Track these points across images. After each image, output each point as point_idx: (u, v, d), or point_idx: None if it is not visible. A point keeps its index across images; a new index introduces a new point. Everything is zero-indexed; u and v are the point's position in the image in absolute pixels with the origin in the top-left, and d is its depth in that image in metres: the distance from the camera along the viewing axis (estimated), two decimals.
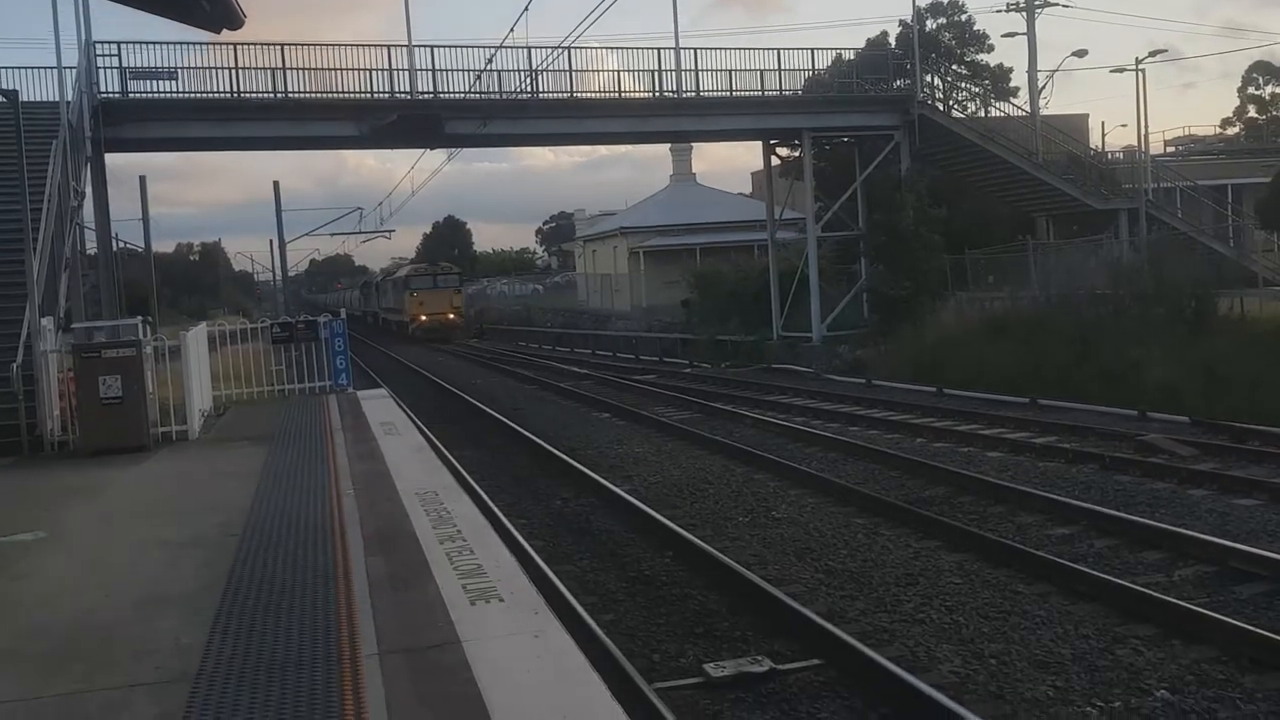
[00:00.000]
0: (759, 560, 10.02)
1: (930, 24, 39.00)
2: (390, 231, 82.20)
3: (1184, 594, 8.42)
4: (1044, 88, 33.94)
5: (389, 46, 26.37)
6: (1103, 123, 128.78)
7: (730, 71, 28.62)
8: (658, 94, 28.17)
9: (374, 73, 25.79)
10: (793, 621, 7.95)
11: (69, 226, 16.80)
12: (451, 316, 54.18)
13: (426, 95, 26.06)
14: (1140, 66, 34.15)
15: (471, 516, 7.79)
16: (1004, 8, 33.89)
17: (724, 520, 11.80)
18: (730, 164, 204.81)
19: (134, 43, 23.83)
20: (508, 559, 6.58)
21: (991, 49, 40.63)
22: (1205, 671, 6.94)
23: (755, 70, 28.80)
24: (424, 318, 53.61)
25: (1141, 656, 7.24)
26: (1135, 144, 38.17)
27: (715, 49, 33.77)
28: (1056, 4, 33.70)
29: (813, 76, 30.45)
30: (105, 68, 23.27)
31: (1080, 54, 63.38)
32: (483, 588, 5.90)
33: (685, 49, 28.51)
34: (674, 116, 29.14)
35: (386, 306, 64.98)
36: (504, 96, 26.28)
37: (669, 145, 56.07)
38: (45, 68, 21.63)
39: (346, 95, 25.60)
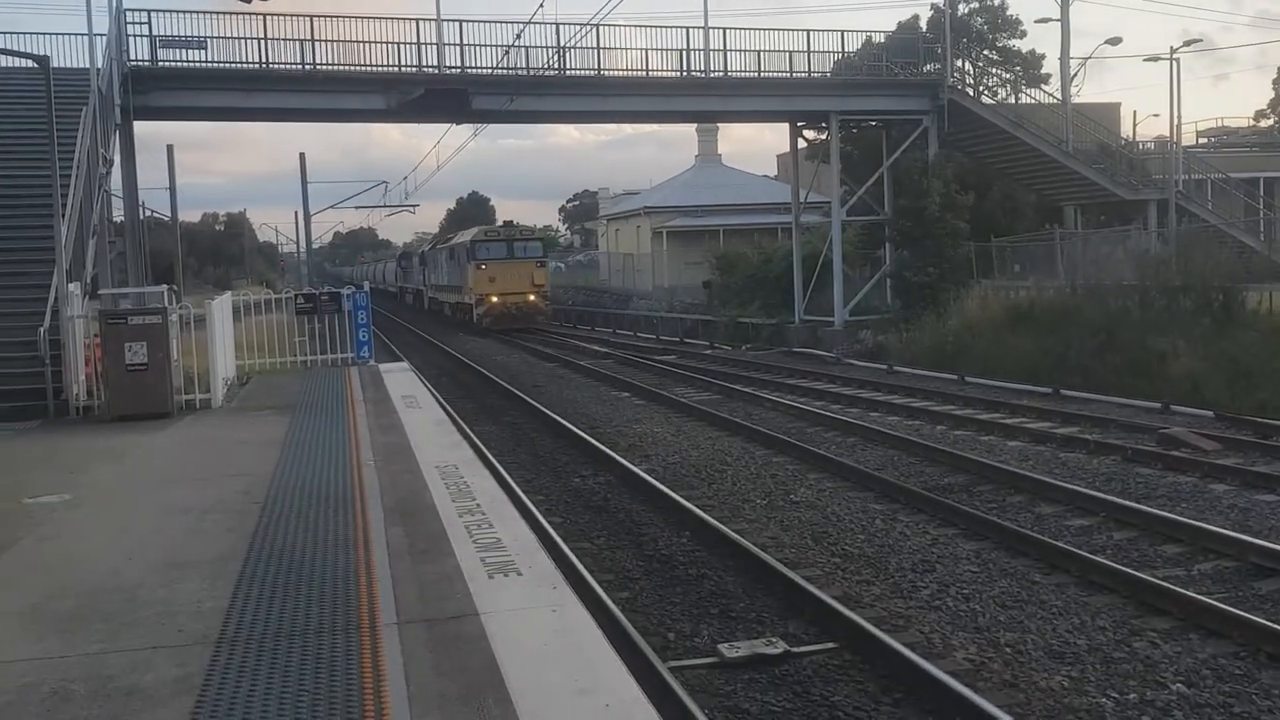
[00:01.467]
0: (775, 543, 10.03)
1: (962, 8, 38.58)
2: (414, 206, 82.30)
3: (1203, 588, 8.38)
4: (1076, 75, 33.67)
5: (417, 20, 26.36)
6: (1134, 112, 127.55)
7: (759, 52, 28.44)
8: (685, 73, 28.04)
9: (402, 46, 25.77)
10: (808, 605, 7.97)
11: (97, 193, 16.92)
12: (533, 298, 40.43)
13: (454, 70, 26.02)
14: (1174, 56, 33.82)
15: (491, 491, 7.83)
16: None
17: (741, 502, 11.81)
18: (756, 145, 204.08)
19: (164, 11, 23.91)
20: (526, 534, 6.61)
21: (1024, 35, 40.25)
22: (1222, 666, 6.92)
23: (784, 51, 28.62)
24: (495, 299, 39.78)
25: (1158, 649, 7.22)
26: (1167, 134, 37.80)
27: (744, 29, 33.72)
28: None
29: (842, 59, 30.21)
30: (135, 35, 23.35)
31: (1114, 41, 63.11)
32: (501, 561, 5.94)
33: (714, 28, 28.37)
34: (701, 96, 28.99)
35: (438, 283, 50.64)
36: (531, 73, 26.21)
37: (695, 125, 55.84)
38: (76, 34, 21.75)
39: (374, 68, 25.61)
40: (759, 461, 13.88)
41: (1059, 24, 33.01)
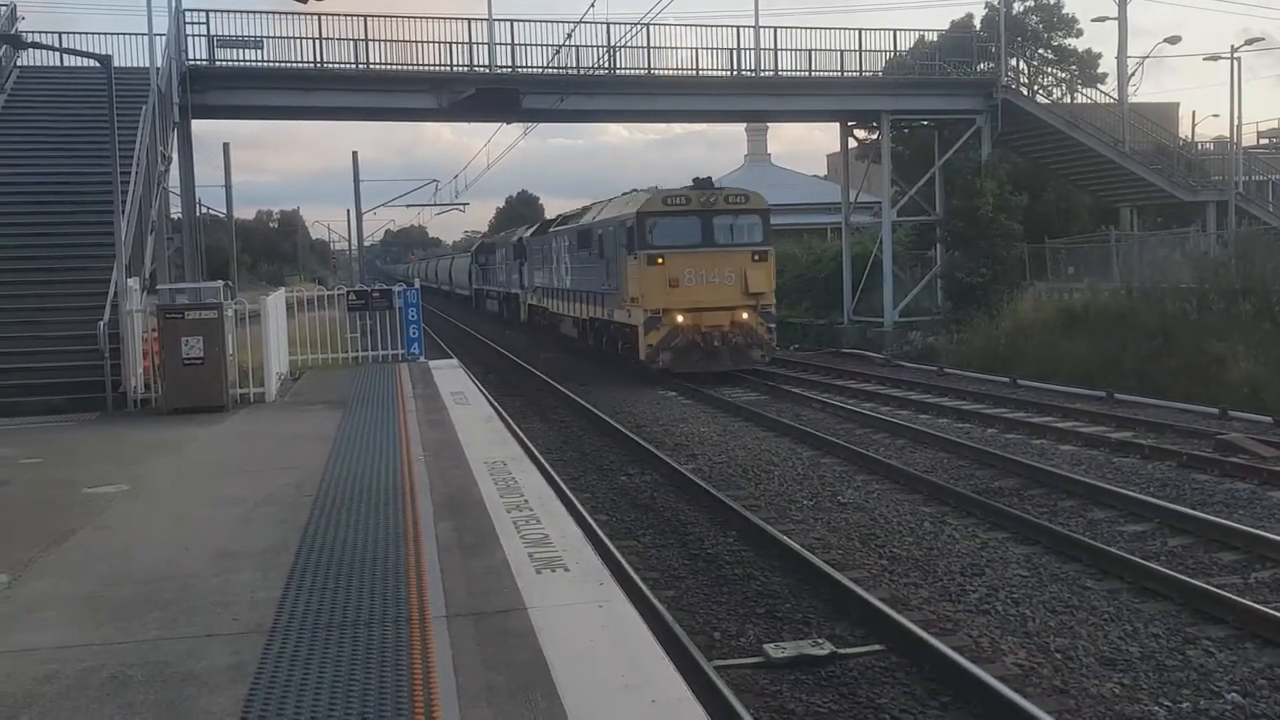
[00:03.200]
0: (822, 544, 9.98)
1: (1017, 6, 38.04)
2: (464, 204, 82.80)
3: (1260, 596, 8.21)
4: (1133, 74, 33.09)
5: (469, 20, 26.64)
6: (1193, 112, 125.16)
7: (809, 51, 28.32)
8: (735, 73, 27.99)
9: (454, 46, 26.03)
10: (855, 606, 7.93)
11: (156, 190, 17.25)
12: (746, 317, 22.94)
13: (504, 69, 26.21)
14: (1235, 55, 33.15)
15: (538, 487, 7.88)
16: None
17: (788, 503, 11.77)
18: (805, 145, 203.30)
19: (222, 11, 24.41)
20: (574, 530, 6.65)
21: (1080, 34, 39.46)
22: (1279, 676, 6.78)
23: (835, 50, 28.47)
24: (682, 318, 22.51)
25: (1213, 658, 7.09)
26: (1227, 135, 37.07)
27: (795, 28, 33.49)
28: None
29: (894, 58, 30.00)
30: (193, 35, 23.80)
31: (1173, 40, 62.07)
32: (549, 557, 5.98)
33: (764, 27, 28.31)
34: (751, 96, 28.92)
35: (553, 286, 32.23)
36: (581, 72, 26.30)
37: (744, 125, 55.71)
38: (136, 34, 22.20)
39: (426, 68, 25.86)
40: (806, 462, 13.82)
41: (1116, 22, 32.49)
